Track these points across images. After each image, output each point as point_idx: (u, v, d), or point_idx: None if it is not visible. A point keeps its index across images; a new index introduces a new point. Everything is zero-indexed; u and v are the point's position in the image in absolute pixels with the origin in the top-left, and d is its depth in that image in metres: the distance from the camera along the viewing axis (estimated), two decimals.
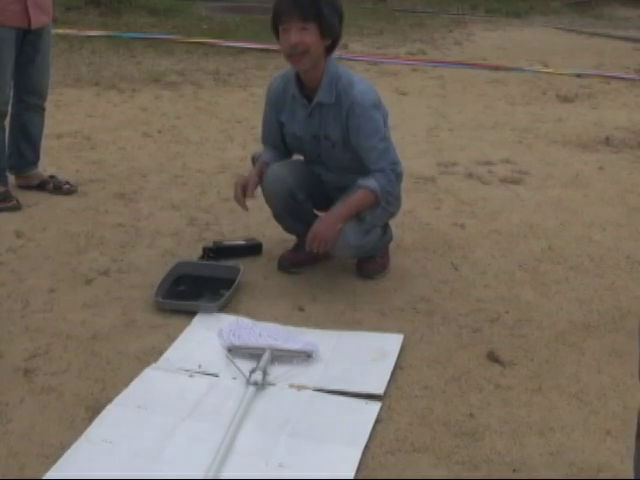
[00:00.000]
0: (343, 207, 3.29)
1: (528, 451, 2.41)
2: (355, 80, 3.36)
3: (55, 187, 4.36)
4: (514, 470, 2.33)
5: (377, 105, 3.36)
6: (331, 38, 3.27)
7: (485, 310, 3.28)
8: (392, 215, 3.57)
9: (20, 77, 4.17)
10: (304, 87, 3.37)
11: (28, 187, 4.36)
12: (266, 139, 3.62)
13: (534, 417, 2.58)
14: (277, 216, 3.59)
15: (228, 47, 8.45)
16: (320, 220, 3.32)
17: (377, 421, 2.50)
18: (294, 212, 3.50)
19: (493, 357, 2.91)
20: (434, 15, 11.86)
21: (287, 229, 3.65)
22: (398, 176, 3.38)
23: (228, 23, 9.67)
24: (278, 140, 3.55)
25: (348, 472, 2.25)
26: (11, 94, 4.20)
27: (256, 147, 5.05)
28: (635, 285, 3.55)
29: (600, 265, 3.75)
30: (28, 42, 4.10)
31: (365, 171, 3.31)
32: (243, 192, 3.41)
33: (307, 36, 3.19)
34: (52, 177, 4.42)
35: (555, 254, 3.86)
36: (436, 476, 2.28)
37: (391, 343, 2.95)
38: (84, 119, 5.52)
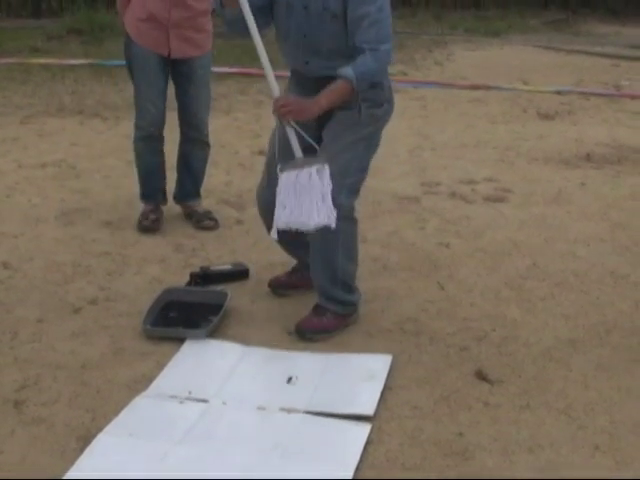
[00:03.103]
0: (321, 96, 3.03)
1: (518, 468, 2.42)
2: None
3: (198, 220, 4.39)
4: None
5: None
6: None
7: (472, 329, 3.30)
8: (380, 120, 3.27)
9: (179, 108, 4.38)
10: None
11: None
12: None
13: (523, 434, 2.59)
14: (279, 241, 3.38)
15: (215, 73, 8.47)
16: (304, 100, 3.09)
17: (368, 442, 2.50)
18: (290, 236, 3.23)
19: (481, 375, 2.93)
20: (414, 36, 11.96)
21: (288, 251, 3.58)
22: (381, 58, 3.05)
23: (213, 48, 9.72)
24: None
25: None
26: (164, 119, 4.34)
27: (240, 172, 5.11)
28: (620, 300, 3.59)
29: (585, 281, 3.78)
30: (179, 73, 4.27)
31: (350, 53, 3.02)
32: None
33: None
34: (208, 212, 4.44)
35: (540, 271, 3.89)
36: None
37: (379, 364, 2.95)
38: (68, 148, 5.53)
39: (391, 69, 9.71)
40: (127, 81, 7.68)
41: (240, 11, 3.01)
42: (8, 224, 4.29)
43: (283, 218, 2.92)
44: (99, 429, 2.54)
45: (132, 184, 4.96)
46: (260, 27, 3.10)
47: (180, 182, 4.53)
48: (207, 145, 4.50)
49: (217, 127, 6.32)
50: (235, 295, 3.46)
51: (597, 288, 3.70)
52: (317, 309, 3.31)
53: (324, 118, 3.17)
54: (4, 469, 2.36)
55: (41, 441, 2.49)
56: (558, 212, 4.72)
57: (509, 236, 4.32)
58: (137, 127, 4.36)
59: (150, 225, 4.28)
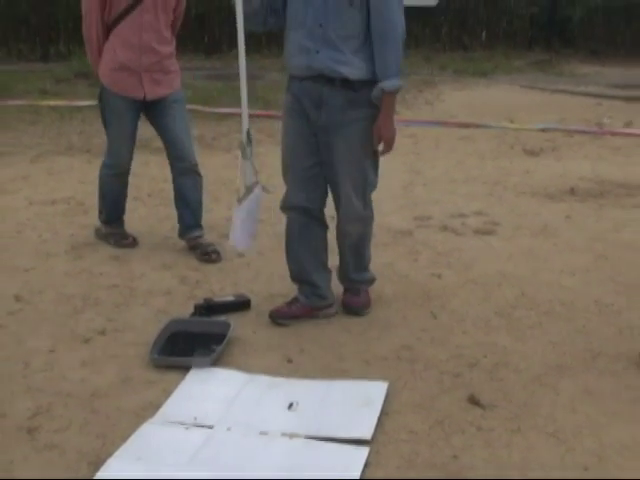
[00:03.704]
0: (385, 115, 3.31)
1: None
2: None
3: (202, 253, 4.42)
4: None
5: None
6: None
7: (464, 356, 3.31)
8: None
9: (165, 145, 4.50)
10: None
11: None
12: None
13: (514, 457, 2.60)
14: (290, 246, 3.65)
15: (211, 113, 8.54)
16: (379, 125, 3.31)
17: (366, 465, 2.51)
18: (306, 237, 3.58)
19: (474, 400, 2.93)
20: (405, 76, 12.04)
21: (295, 265, 3.66)
22: (400, 38, 3.30)
23: (211, 90, 9.79)
24: None
25: None
26: (132, 156, 4.51)
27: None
28: (604, 327, 3.61)
29: (571, 309, 3.80)
30: (156, 112, 4.41)
31: (366, 43, 3.23)
32: None
33: None
34: (211, 244, 4.49)
35: (528, 300, 3.91)
36: None
37: (376, 390, 2.96)
38: (77, 185, 5.55)
39: None
40: None
41: (253, 6, 3.25)
42: (20, 258, 4.30)
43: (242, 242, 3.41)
44: (109, 454, 2.55)
45: (138, 219, 5.01)
46: (269, 25, 3.43)
47: (180, 217, 4.56)
48: (198, 175, 4.55)
49: (218, 164, 6.39)
50: (237, 325, 3.47)
51: (583, 316, 3.72)
52: (352, 291, 3.74)
53: (325, 137, 3.36)
54: None
55: (54, 466, 2.50)
56: (544, 244, 4.75)
57: (498, 267, 4.34)
58: (109, 166, 4.52)
59: (132, 243, 4.56)
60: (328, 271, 3.72)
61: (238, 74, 3.48)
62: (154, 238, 4.69)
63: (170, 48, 4.42)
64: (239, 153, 3.50)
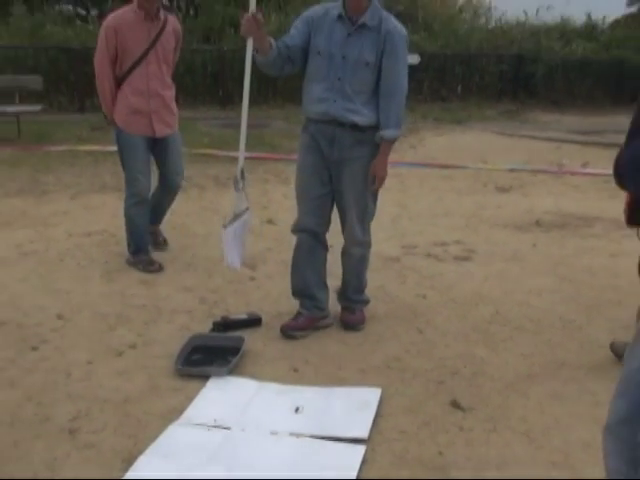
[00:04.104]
0: (381, 159, 3.45)
1: None
2: (391, 17, 3.38)
3: (155, 240, 4.92)
4: None
5: (406, 40, 3.40)
6: None
7: (447, 366, 3.32)
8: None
9: (162, 172, 4.77)
10: (347, 12, 3.31)
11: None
12: (286, 41, 3.36)
13: (492, 453, 2.61)
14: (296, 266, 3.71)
15: (225, 156, 8.55)
16: (375, 164, 3.44)
17: (363, 461, 2.51)
18: (312, 256, 3.65)
19: (455, 404, 2.94)
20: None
21: (300, 281, 3.70)
22: (402, 101, 3.40)
23: (225, 137, 9.80)
24: (295, 42, 3.36)
25: None
26: (149, 187, 4.65)
27: (252, 238, 5.08)
28: (568, 341, 3.62)
29: (538, 325, 3.82)
30: (162, 147, 4.64)
31: (374, 96, 3.36)
32: (256, 24, 3.17)
33: None
34: (163, 240, 5.06)
35: (501, 317, 3.92)
36: None
37: (371, 396, 2.97)
38: (109, 219, 5.55)
39: None
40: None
41: (268, 57, 3.28)
42: (61, 282, 4.30)
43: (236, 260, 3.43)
44: (140, 452, 2.55)
45: (164, 251, 5.01)
46: (285, 72, 3.46)
47: (155, 213, 4.89)
48: (176, 193, 4.95)
49: (232, 201, 6.39)
50: (250, 339, 3.48)
51: (549, 331, 3.74)
52: (349, 309, 3.76)
53: (336, 170, 3.47)
54: None
55: (92, 463, 2.51)
56: (515, 268, 4.76)
57: (475, 289, 4.35)
58: (132, 195, 4.61)
59: (158, 269, 4.57)
60: (327, 287, 3.76)
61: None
62: (177, 264, 4.69)
63: (171, 92, 4.65)
64: (233, 186, 3.54)
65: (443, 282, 4.47)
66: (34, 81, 10.43)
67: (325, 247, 3.69)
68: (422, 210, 6.32)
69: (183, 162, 4.85)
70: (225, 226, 3.40)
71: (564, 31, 17.29)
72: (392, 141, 3.43)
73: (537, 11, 18.39)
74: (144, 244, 4.69)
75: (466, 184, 7.51)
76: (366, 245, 3.68)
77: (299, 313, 3.68)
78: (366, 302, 3.84)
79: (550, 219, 6.04)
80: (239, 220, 3.44)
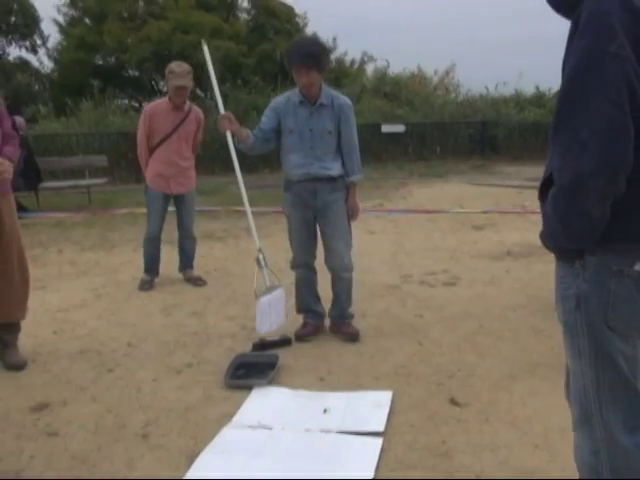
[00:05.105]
0: (353, 197, 3.67)
1: (485, 463, 2.41)
2: (339, 94, 3.62)
3: (192, 281, 5.08)
4: (477, 476, 2.32)
5: (352, 108, 3.61)
6: (324, 71, 3.47)
7: (444, 370, 3.29)
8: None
9: (178, 221, 5.09)
10: (306, 98, 3.50)
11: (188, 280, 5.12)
12: (260, 126, 3.56)
13: (486, 440, 2.58)
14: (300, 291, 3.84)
15: (254, 212, 8.58)
16: (350, 202, 3.66)
17: (381, 450, 2.49)
18: (310, 282, 3.81)
19: (453, 401, 2.92)
20: (385, 180, 12.18)
21: (304, 302, 3.84)
22: (358, 156, 3.64)
23: (253, 196, 9.80)
24: (268, 127, 3.54)
25: None
26: (161, 229, 5.02)
27: (279, 275, 5.13)
28: (541, 346, 3.58)
29: (516, 334, 3.79)
30: (178, 202, 5.00)
31: (338, 153, 3.58)
32: (228, 120, 3.40)
33: (312, 77, 3.41)
34: (198, 278, 5.11)
35: (485, 330, 3.89)
36: None
37: (385, 397, 2.95)
38: (164, 266, 5.51)
39: (372, 202, 9.68)
40: (200, 220, 7.79)
41: (247, 143, 3.49)
42: (129, 317, 4.32)
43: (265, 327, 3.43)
44: (200, 451, 2.54)
45: (208, 287, 5.02)
46: (263, 150, 3.63)
47: (181, 260, 5.19)
48: (193, 238, 5.15)
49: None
50: (283, 356, 3.46)
51: (524, 339, 3.70)
52: (344, 323, 3.80)
53: (321, 214, 3.63)
54: None
55: (161, 461, 2.50)
56: (493, 290, 4.74)
57: (462, 307, 4.33)
58: (147, 232, 5.03)
59: (149, 288, 4.95)
60: (320, 301, 3.91)
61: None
62: (221, 298, 4.70)
63: (189, 163, 4.96)
64: (256, 265, 3.59)
65: (436, 303, 4.45)
66: (100, 160, 10.61)
67: (315, 272, 3.86)
68: (414, 247, 6.32)
69: (193, 216, 5.13)
70: (258, 297, 3.37)
71: (518, 101, 17.44)
72: (357, 183, 3.67)
73: (496, 86, 18.69)
74: (151, 268, 5.05)
75: (448, 225, 7.51)
76: (351, 269, 3.77)
77: (306, 323, 3.83)
78: (353, 316, 3.90)
79: (518, 250, 6.02)
80: (273, 293, 3.46)
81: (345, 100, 3.57)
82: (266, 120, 3.55)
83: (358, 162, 3.65)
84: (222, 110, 3.44)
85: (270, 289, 3.47)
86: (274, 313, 3.45)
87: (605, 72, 1.33)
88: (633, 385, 1.56)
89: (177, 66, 4.71)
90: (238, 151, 3.60)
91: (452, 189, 10.77)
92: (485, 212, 8.23)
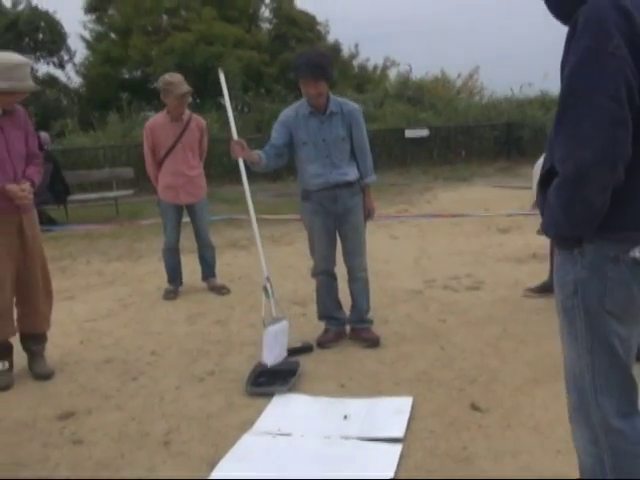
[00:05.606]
0: (369, 199, 3.74)
1: (505, 468, 2.39)
2: (346, 100, 3.70)
3: (216, 289, 5.12)
4: None
5: (361, 111, 3.68)
6: (331, 81, 3.53)
7: (466, 375, 3.27)
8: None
9: (194, 230, 5.12)
10: (315, 108, 3.54)
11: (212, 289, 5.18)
12: (272, 142, 3.57)
13: (507, 445, 2.56)
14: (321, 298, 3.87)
15: (278, 219, 8.68)
16: (367, 204, 3.73)
17: (400, 456, 2.49)
18: (331, 289, 3.82)
19: (475, 407, 2.90)
20: (409, 185, 12.15)
21: (325, 308, 3.86)
22: (370, 157, 3.73)
23: (277, 204, 9.92)
24: (279, 142, 3.56)
25: None
26: (179, 238, 5.09)
27: (303, 285, 5.13)
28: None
29: (539, 338, 3.74)
30: (189, 211, 5.04)
31: (352, 158, 3.64)
32: (241, 147, 3.37)
33: (320, 87, 3.44)
34: (222, 287, 5.16)
35: (508, 334, 3.86)
36: None
37: (405, 403, 2.95)
38: (189, 275, 5.57)
39: (396, 207, 9.63)
40: (224, 229, 7.87)
41: (260, 165, 3.49)
42: (154, 326, 4.38)
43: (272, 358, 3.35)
44: (221, 457, 2.56)
45: (232, 295, 5.06)
46: (278, 165, 3.64)
47: (203, 270, 5.22)
48: (211, 247, 5.20)
49: (284, 254, 6.46)
50: (304, 363, 3.48)
51: (548, 343, 3.63)
52: (364, 329, 3.81)
53: (343, 218, 3.68)
54: None
55: (183, 467, 2.53)
56: (517, 294, 4.68)
57: (485, 312, 4.30)
58: (165, 243, 5.11)
59: (173, 297, 5.01)
60: (342, 308, 3.93)
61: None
62: (244, 307, 4.73)
63: (196, 171, 4.99)
64: (263, 294, 3.54)
65: (459, 308, 4.42)
66: (127, 172, 10.78)
67: (336, 279, 3.87)
68: (438, 251, 6.28)
69: (207, 225, 5.18)
70: (266, 326, 3.35)
71: (544, 101, 17.21)
72: (372, 184, 3.74)
73: (521, 87, 18.44)
74: (173, 277, 5.13)
75: (473, 228, 7.46)
76: (367, 269, 3.82)
77: (328, 330, 3.84)
78: (372, 322, 3.90)
79: (544, 252, 5.91)
80: (280, 324, 3.42)
81: (353, 105, 3.65)
82: (277, 136, 3.58)
83: (371, 164, 3.73)
84: (235, 136, 3.45)
85: (276, 320, 3.44)
86: (279, 346, 3.39)
87: (604, 69, 1.44)
88: (627, 369, 1.65)
89: (171, 77, 4.82)
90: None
91: (477, 192, 10.68)
92: (510, 215, 8.15)
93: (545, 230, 1.66)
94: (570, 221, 1.54)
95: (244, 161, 3.48)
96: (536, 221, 8.48)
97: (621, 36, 1.44)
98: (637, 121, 1.47)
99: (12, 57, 3.25)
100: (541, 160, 4.42)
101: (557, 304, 1.73)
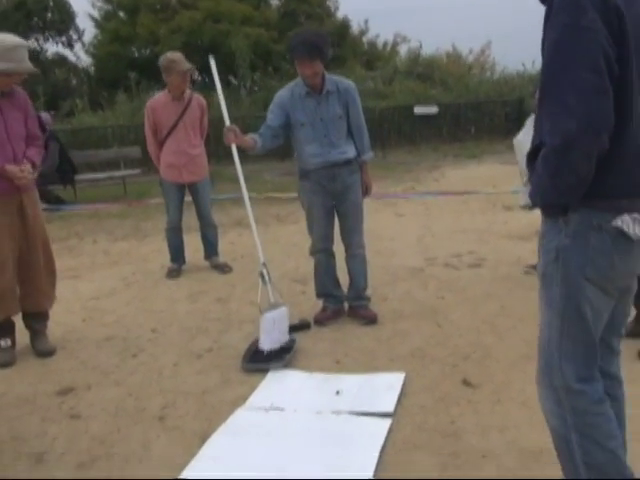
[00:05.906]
0: (367, 175, 3.77)
1: (492, 443, 2.42)
2: (341, 78, 3.68)
3: (218, 268, 5.17)
4: (483, 456, 2.34)
5: (356, 89, 3.68)
6: (327, 61, 3.49)
7: (460, 352, 3.30)
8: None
9: (196, 209, 5.15)
10: (311, 89, 3.54)
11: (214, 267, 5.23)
12: (268, 123, 3.57)
13: (495, 420, 2.58)
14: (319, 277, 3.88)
15: (284, 198, 8.68)
16: (365, 180, 3.75)
17: (389, 430, 2.52)
18: (329, 267, 3.83)
19: (466, 382, 2.93)
20: (418, 163, 12.08)
21: (323, 286, 3.87)
22: (366, 135, 3.73)
23: (284, 183, 9.93)
24: (276, 123, 3.55)
25: (370, 462, 2.30)
26: (182, 217, 5.12)
27: (305, 263, 5.12)
28: None
29: (537, 316, 3.69)
30: (193, 190, 5.06)
31: (349, 135, 3.65)
32: (233, 133, 3.37)
33: (316, 67, 3.45)
34: (224, 265, 5.21)
35: (506, 311, 3.87)
36: (431, 466, 2.30)
37: (397, 378, 2.98)
38: (192, 254, 5.60)
39: (404, 185, 9.54)
40: (231, 208, 7.87)
41: (256, 149, 3.52)
42: (156, 304, 4.43)
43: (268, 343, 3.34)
44: (214, 431, 2.60)
45: (235, 273, 5.11)
46: (274, 146, 3.65)
47: (205, 249, 5.26)
48: (214, 226, 5.23)
49: (289, 232, 6.49)
50: (300, 340, 3.52)
51: None
52: (362, 306, 3.84)
53: (342, 196, 3.70)
54: (154, 460, 2.44)
55: (176, 441, 2.58)
56: (517, 272, 4.68)
57: (484, 289, 4.30)
58: (167, 222, 5.15)
59: (176, 276, 5.08)
60: (340, 286, 3.94)
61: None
62: (245, 285, 4.77)
63: (198, 150, 5.02)
64: (259, 280, 3.54)
65: (458, 285, 4.43)
66: (134, 151, 10.81)
67: (334, 257, 3.88)
68: (442, 229, 6.27)
69: (209, 204, 5.19)
70: (263, 313, 3.35)
71: None
72: (369, 161, 3.77)
73: (533, 62, 18.14)
74: (176, 256, 5.18)
75: (479, 206, 7.43)
76: (364, 246, 3.84)
77: (325, 307, 3.88)
78: (369, 299, 3.92)
79: None
80: (278, 311, 3.42)
81: (349, 83, 3.65)
82: (273, 117, 3.57)
83: (367, 141, 3.74)
84: (228, 122, 3.44)
85: (274, 306, 3.45)
86: (277, 331, 3.39)
87: (582, 43, 1.50)
88: (593, 338, 1.73)
89: (172, 55, 4.85)
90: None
91: (486, 170, 10.60)
92: (516, 192, 8.07)
93: (532, 199, 1.71)
94: (557, 189, 1.60)
95: (237, 146, 3.47)
96: None
97: (596, 12, 1.51)
98: (617, 91, 1.53)
99: (10, 38, 3.27)
100: (520, 135, 4.43)
101: (538, 271, 1.81)
